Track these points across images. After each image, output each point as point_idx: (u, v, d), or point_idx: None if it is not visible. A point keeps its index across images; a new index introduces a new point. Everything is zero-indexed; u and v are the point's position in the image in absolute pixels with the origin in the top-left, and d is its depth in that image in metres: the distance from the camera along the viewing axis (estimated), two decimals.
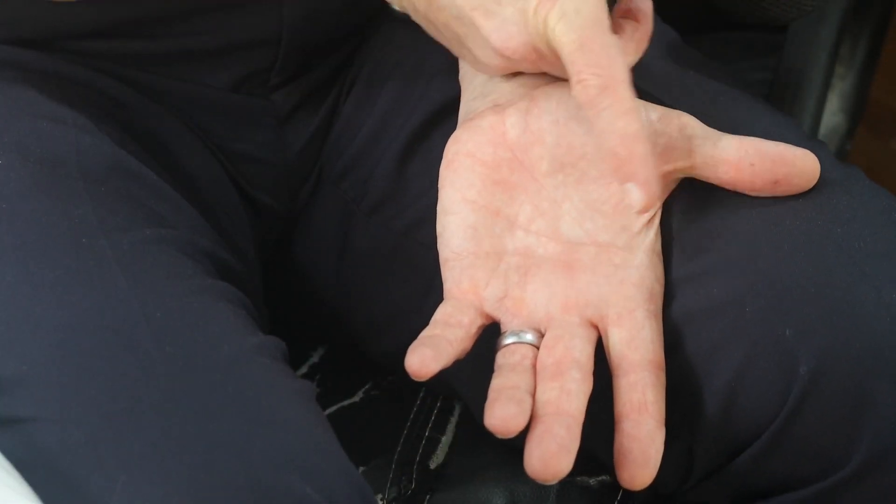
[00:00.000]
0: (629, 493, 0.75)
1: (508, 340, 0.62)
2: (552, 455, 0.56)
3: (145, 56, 0.75)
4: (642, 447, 0.58)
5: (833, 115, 1.17)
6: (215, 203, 0.76)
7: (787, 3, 0.95)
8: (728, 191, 0.65)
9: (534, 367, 0.61)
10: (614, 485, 0.75)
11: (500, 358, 0.62)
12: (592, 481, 0.75)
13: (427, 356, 0.59)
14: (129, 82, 0.75)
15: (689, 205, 0.66)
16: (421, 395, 0.81)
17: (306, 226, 0.83)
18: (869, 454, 0.61)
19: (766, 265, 0.63)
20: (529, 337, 0.62)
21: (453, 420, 0.79)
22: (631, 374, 0.60)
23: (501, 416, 0.57)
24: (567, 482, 0.74)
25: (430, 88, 0.78)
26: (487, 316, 0.64)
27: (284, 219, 0.82)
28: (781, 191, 0.64)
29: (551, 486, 0.74)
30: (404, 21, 0.80)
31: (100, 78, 0.75)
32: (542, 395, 0.59)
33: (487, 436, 0.72)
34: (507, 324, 0.63)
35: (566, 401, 0.58)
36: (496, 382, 0.59)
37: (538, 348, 0.62)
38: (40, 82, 0.72)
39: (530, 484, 0.74)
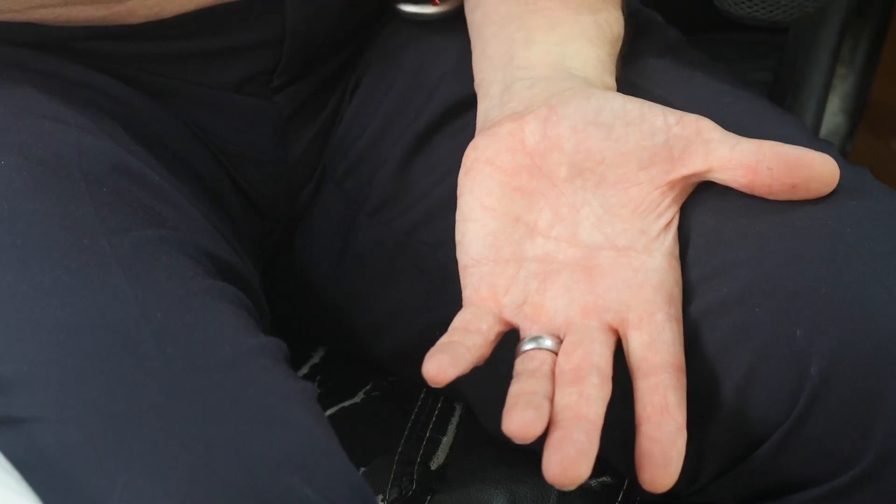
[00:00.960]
0: (630, 496, 0.75)
1: (527, 346, 0.62)
2: (571, 461, 0.56)
3: (147, 57, 0.75)
4: (664, 449, 0.57)
5: (834, 115, 1.17)
6: (216, 203, 0.76)
7: (789, 4, 0.95)
8: (739, 193, 0.65)
9: (552, 372, 0.61)
10: (615, 486, 0.75)
11: (519, 364, 0.62)
12: (593, 483, 0.75)
13: (444, 362, 0.59)
14: (130, 83, 0.75)
15: (700, 206, 0.66)
16: (422, 395, 0.81)
17: (308, 226, 0.83)
18: (880, 453, 0.61)
19: (776, 265, 0.63)
20: (548, 343, 0.62)
21: (454, 421, 0.79)
22: (652, 376, 0.60)
23: (520, 421, 0.57)
24: None
25: (434, 90, 0.78)
26: (506, 323, 0.63)
27: (286, 219, 0.82)
28: (799, 195, 0.64)
29: (552, 488, 0.74)
30: (409, 21, 0.80)
31: (101, 78, 0.75)
32: (560, 401, 0.59)
33: (488, 437, 0.72)
34: (526, 330, 0.63)
35: (585, 406, 0.58)
36: (514, 388, 0.59)
37: (557, 354, 0.62)
38: (42, 83, 0.72)
39: (531, 485, 0.74)
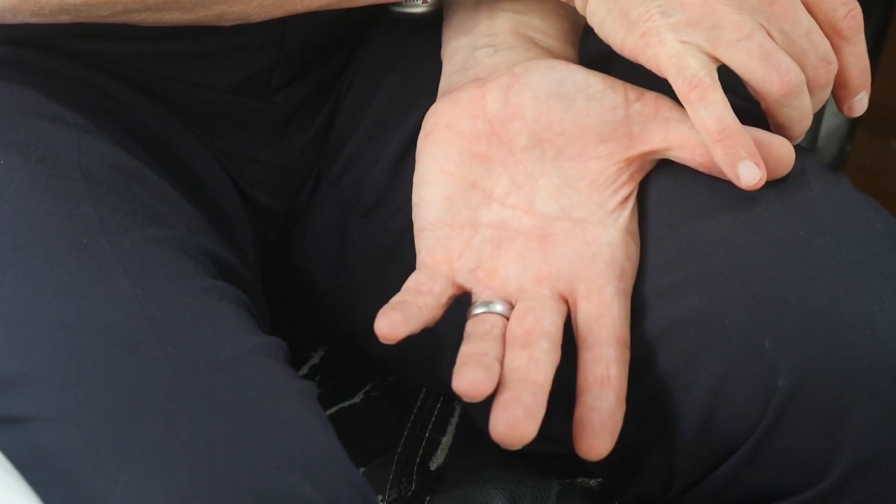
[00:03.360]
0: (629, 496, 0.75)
1: (478, 310, 0.63)
2: (518, 420, 0.57)
3: (147, 56, 0.75)
4: (602, 418, 0.59)
5: (833, 115, 1.17)
6: (216, 203, 0.76)
7: None
8: (711, 198, 0.65)
9: (503, 336, 0.62)
10: (615, 487, 0.75)
11: (470, 327, 0.63)
12: (593, 483, 0.75)
13: (397, 320, 0.60)
14: (130, 82, 0.75)
15: (671, 213, 0.66)
16: (421, 396, 0.81)
17: (305, 226, 0.83)
18: (848, 466, 0.61)
19: (746, 275, 0.63)
20: (499, 307, 0.63)
21: (454, 421, 0.79)
22: (596, 348, 0.61)
23: (469, 379, 0.58)
24: (567, 483, 0.74)
25: (427, 89, 0.78)
26: (459, 286, 0.64)
27: (284, 219, 0.82)
28: None
29: (552, 488, 0.74)
30: (402, 21, 0.80)
31: (101, 78, 0.74)
32: (510, 363, 0.60)
33: (488, 437, 0.72)
34: (478, 294, 0.64)
35: (534, 369, 0.59)
36: (465, 349, 0.60)
37: (508, 319, 0.62)
38: (41, 82, 0.72)
39: (530, 485, 0.74)
